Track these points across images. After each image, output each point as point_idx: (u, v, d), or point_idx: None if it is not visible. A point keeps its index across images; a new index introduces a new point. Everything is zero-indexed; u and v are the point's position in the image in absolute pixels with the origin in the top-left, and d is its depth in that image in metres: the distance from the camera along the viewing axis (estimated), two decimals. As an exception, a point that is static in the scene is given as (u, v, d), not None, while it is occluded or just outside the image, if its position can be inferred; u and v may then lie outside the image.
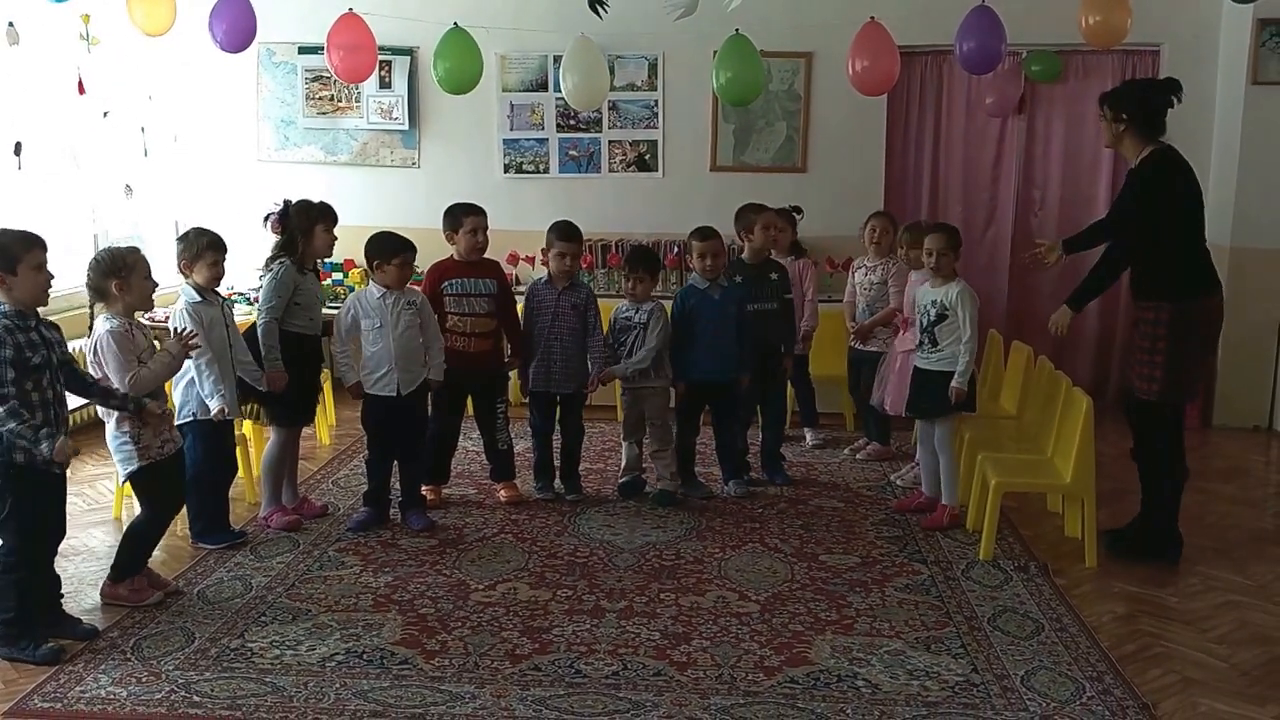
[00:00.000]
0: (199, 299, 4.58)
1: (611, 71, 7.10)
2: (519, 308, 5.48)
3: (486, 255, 5.37)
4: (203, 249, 4.58)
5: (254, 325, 4.94)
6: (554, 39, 7.09)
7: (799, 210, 6.63)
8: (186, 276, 4.63)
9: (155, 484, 4.16)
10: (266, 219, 5.30)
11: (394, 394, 4.92)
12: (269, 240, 5.28)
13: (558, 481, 5.52)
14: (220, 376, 4.54)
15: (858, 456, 6.27)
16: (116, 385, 3.95)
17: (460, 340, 5.22)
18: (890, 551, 4.82)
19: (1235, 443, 6.75)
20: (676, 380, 5.45)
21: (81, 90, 6.48)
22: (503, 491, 5.45)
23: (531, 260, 7.39)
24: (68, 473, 3.87)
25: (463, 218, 5.24)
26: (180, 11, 6.03)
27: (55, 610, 3.93)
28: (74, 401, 3.99)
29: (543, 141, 7.74)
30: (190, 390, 4.57)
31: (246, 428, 5.41)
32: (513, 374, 5.58)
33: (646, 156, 7.71)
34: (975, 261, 7.39)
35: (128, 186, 7.12)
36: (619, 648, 3.86)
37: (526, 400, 5.57)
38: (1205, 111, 7.02)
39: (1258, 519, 5.44)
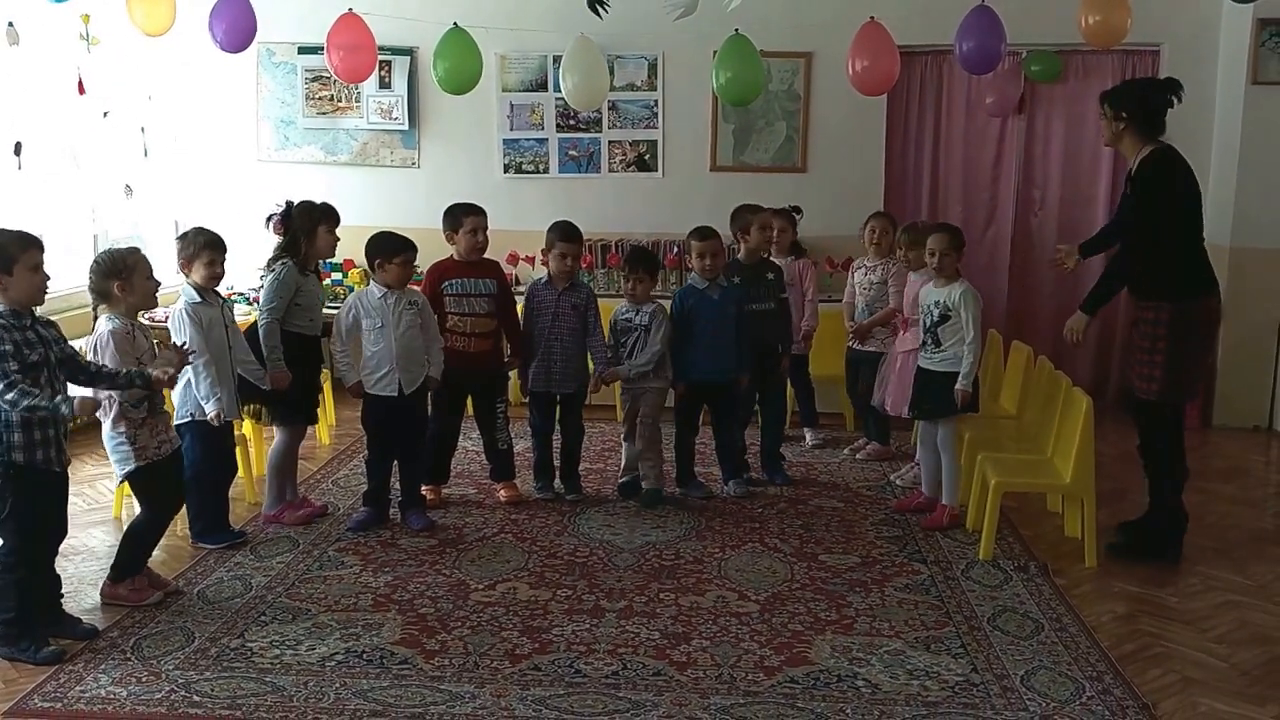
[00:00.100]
0: (198, 299, 4.58)
1: (611, 71, 7.11)
2: (519, 308, 5.48)
3: (486, 255, 5.37)
4: (200, 248, 4.58)
5: (254, 325, 4.95)
6: (554, 39, 7.10)
7: (798, 210, 6.63)
8: (186, 276, 4.64)
9: (153, 484, 4.16)
10: (269, 220, 5.29)
11: (395, 394, 4.92)
12: (269, 240, 5.28)
13: (557, 481, 5.52)
14: (218, 379, 4.54)
15: (857, 456, 6.27)
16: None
17: (460, 340, 5.22)
18: (890, 551, 4.82)
19: (1235, 443, 6.75)
20: (676, 381, 5.45)
21: (81, 90, 6.48)
22: (503, 491, 5.45)
23: (531, 260, 7.40)
24: (69, 472, 3.86)
25: (463, 218, 5.24)
26: (180, 11, 6.03)
27: (55, 610, 3.92)
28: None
29: (543, 141, 7.74)
30: (189, 391, 4.57)
31: (247, 428, 5.42)
32: (513, 374, 5.58)
33: (646, 156, 7.72)
34: (975, 261, 7.39)
35: (128, 186, 7.12)
36: (619, 647, 3.86)
37: (526, 400, 5.57)
38: (1205, 111, 7.02)
39: (1258, 519, 5.44)
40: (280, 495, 5.11)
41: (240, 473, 5.21)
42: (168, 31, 6.06)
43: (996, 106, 7.48)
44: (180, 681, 3.59)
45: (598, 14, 5.58)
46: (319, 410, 5.77)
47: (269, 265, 5.04)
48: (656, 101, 7.64)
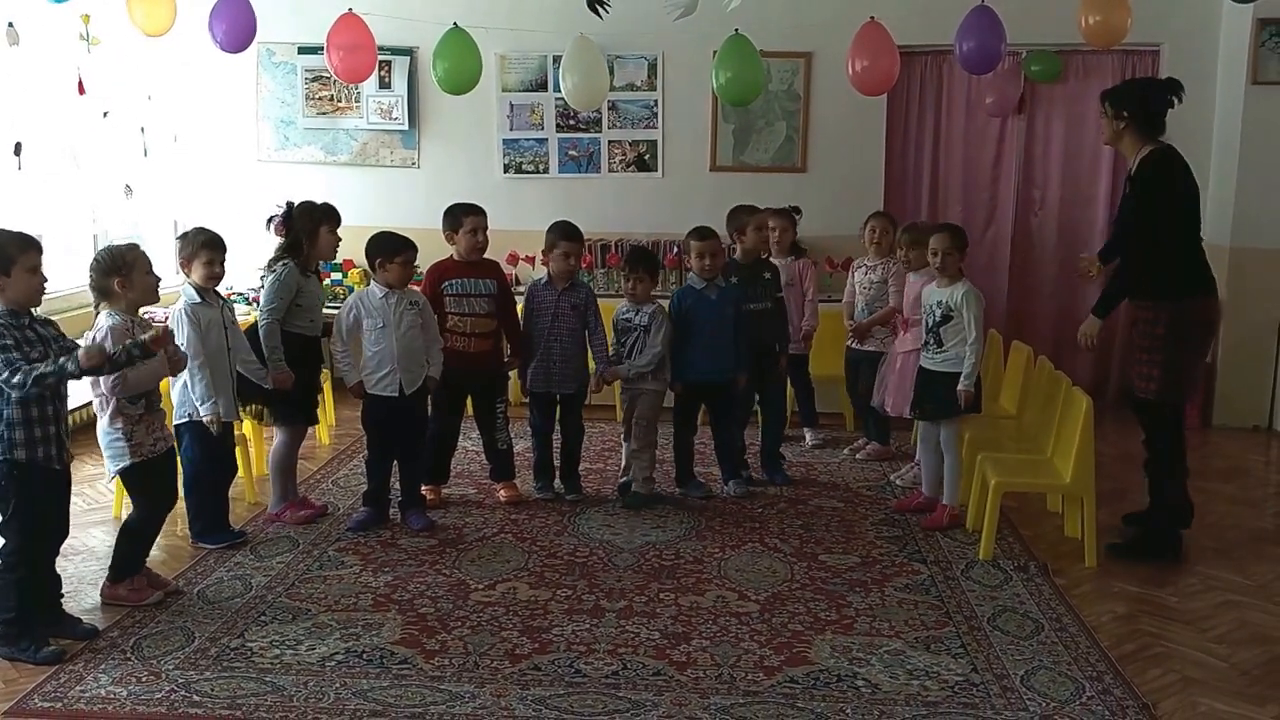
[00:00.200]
0: (198, 300, 4.58)
1: (611, 71, 7.11)
2: (519, 308, 5.48)
3: (486, 255, 5.37)
4: (199, 248, 4.59)
5: (254, 325, 4.95)
6: (553, 39, 7.10)
7: (798, 210, 6.64)
8: (186, 276, 4.64)
9: (147, 482, 4.16)
10: (270, 221, 5.29)
11: (396, 394, 4.92)
12: (270, 240, 5.28)
13: (557, 481, 5.52)
14: (215, 381, 4.54)
15: (857, 456, 6.27)
16: (103, 381, 3.95)
17: (460, 340, 5.22)
18: (890, 551, 4.82)
19: (1235, 443, 6.75)
20: (674, 381, 5.45)
21: (81, 90, 6.48)
22: (502, 491, 5.45)
23: (531, 260, 7.39)
24: (70, 470, 3.87)
25: (463, 218, 5.24)
26: (180, 11, 6.04)
27: (55, 610, 3.92)
28: (73, 401, 3.99)
29: (542, 141, 7.74)
30: (187, 392, 4.57)
31: (247, 428, 5.42)
32: (512, 374, 5.58)
33: (646, 156, 7.72)
34: (975, 261, 7.36)
35: (128, 186, 7.12)
36: (619, 647, 3.86)
37: (526, 400, 5.56)
38: (1205, 111, 7.02)
39: (1258, 519, 5.44)
40: (284, 494, 5.12)
41: (240, 473, 5.21)
42: (168, 31, 6.06)
43: (996, 106, 7.48)
44: (180, 681, 3.59)
45: (598, 14, 5.58)
46: (319, 410, 5.77)
47: (270, 266, 5.04)
48: (656, 101, 7.64)
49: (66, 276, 5.77)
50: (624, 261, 6.01)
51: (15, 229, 3.74)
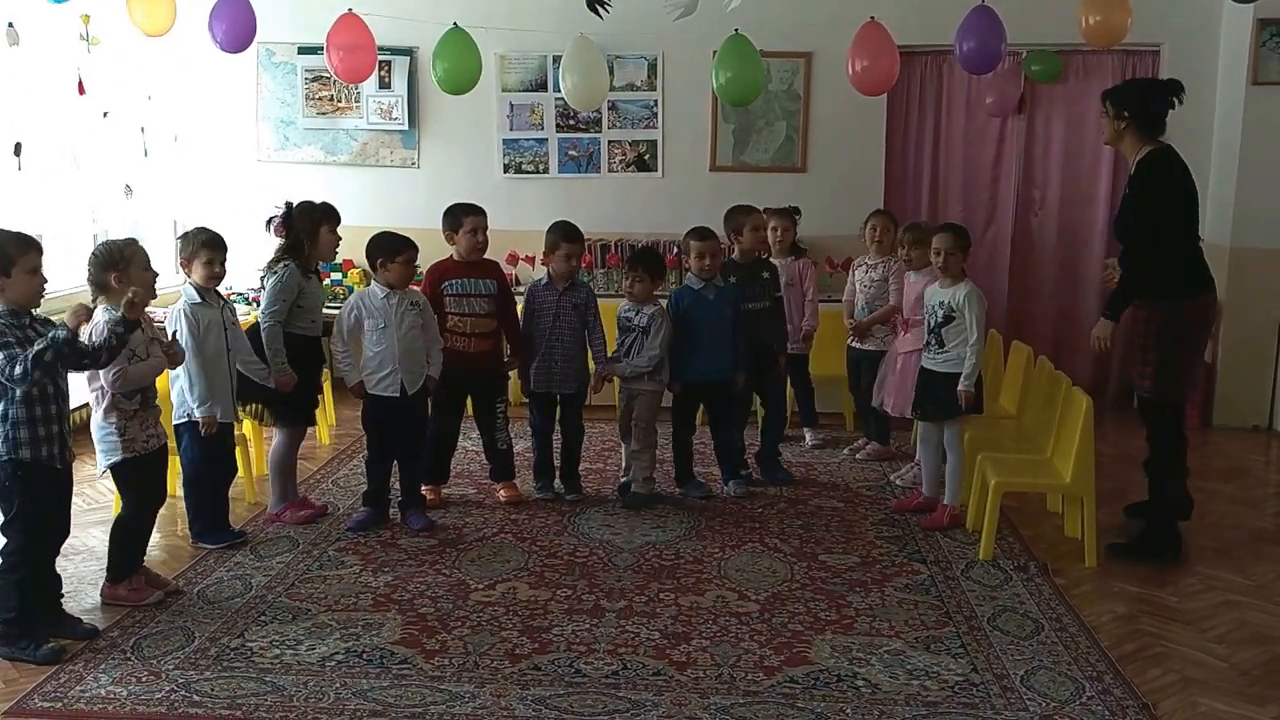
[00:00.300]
0: (198, 300, 4.58)
1: (611, 71, 7.11)
2: (519, 308, 5.48)
3: (486, 255, 5.37)
4: (199, 248, 4.59)
5: (255, 326, 4.95)
6: (553, 39, 7.10)
7: (797, 211, 6.63)
8: (186, 276, 4.64)
9: (137, 478, 4.16)
10: (269, 222, 5.28)
11: (397, 394, 4.92)
12: (269, 241, 5.27)
13: (557, 481, 5.52)
14: (213, 382, 4.55)
15: (857, 456, 6.27)
16: (103, 374, 3.95)
17: (460, 340, 5.22)
18: (890, 551, 4.82)
19: (1235, 443, 6.75)
20: (672, 383, 5.45)
21: (81, 90, 6.48)
22: (502, 491, 5.45)
23: (531, 260, 7.39)
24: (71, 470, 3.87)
25: (463, 218, 5.24)
26: (180, 11, 6.03)
27: (55, 610, 3.92)
28: (74, 401, 3.99)
29: (542, 141, 7.74)
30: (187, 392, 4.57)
31: (247, 428, 5.42)
32: (512, 374, 5.58)
33: (646, 156, 7.72)
34: (975, 261, 7.32)
35: (128, 187, 7.12)
36: (619, 647, 3.86)
37: (526, 400, 5.57)
38: (1205, 111, 7.02)
39: (1258, 519, 5.44)
40: (284, 494, 5.12)
41: (240, 473, 5.21)
42: (168, 32, 6.06)
43: (996, 106, 7.48)
44: (180, 681, 3.59)
45: (598, 14, 5.58)
46: (318, 411, 5.77)
47: (270, 267, 5.03)
48: (656, 101, 7.64)
49: (66, 276, 5.77)
50: (626, 261, 6.00)
51: (15, 229, 3.75)
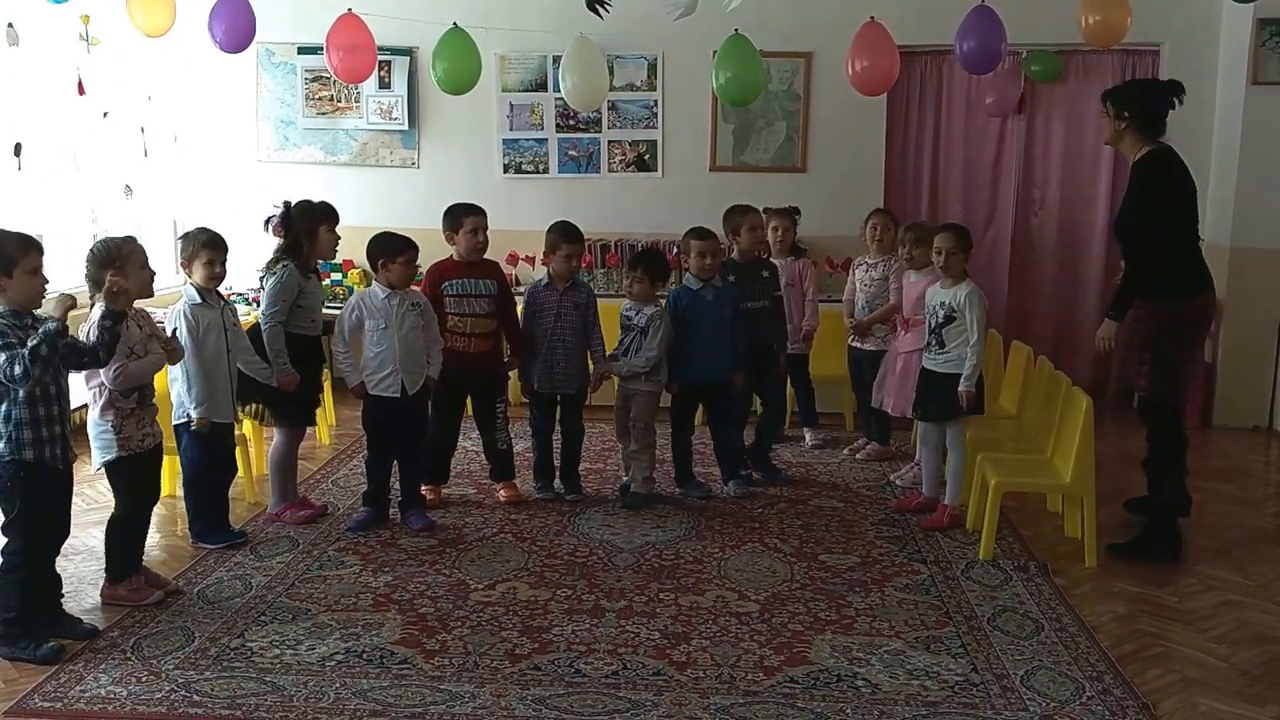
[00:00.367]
0: (198, 301, 4.58)
1: (611, 71, 7.10)
2: (519, 308, 5.48)
3: (486, 256, 5.37)
4: (199, 248, 4.58)
5: (255, 326, 4.95)
6: (553, 39, 7.10)
7: (797, 211, 6.63)
8: (187, 276, 4.64)
9: (132, 477, 4.16)
10: (268, 222, 5.28)
11: (398, 394, 4.92)
12: (269, 241, 5.27)
13: (557, 481, 5.52)
14: (212, 383, 4.55)
15: (857, 456, 6.27)
16: (103, 371, 3.95)
17: (460, 340, 5.22)
18: (890, 551, 4.82)
19: (1235, 443, 6.75)
20: (671, 383, 5.44)
21: (81, 90, 6.48)
22: (502, 491, 5.45)
23: (531, 260, 7.39)
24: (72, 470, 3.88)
25: (463, 218, 5.24)
26: (180, 12, 6.03)
27: (55, 610, 3.93)
28: (74, 401, 3.99)
29: (542, 141, 7.74)
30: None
31: (246, 428, 5.42)
32: (512, 374, 5.57)
33: (646, 156, 7.71)
34: (975, 261, 7.28)
35: (128, 187, 7.12)
36: (619, 647, 3.86)
37: (526, 400, 5.57)
38: (1205, 111, 7.01)
39: (1258, 519, 5.44)
40: (284, 494, 5.12)
41: (240, 473, 5.21)
42: (167, 32, 6.06)
43: (996, 106, 7.48)
44: (180, 681, 3.59)
45: (598, 14, 5.58)
46: (318, 411, 5.77)
47: (269, 268, 5.03)
48: (656, 101, 7.64)
49: (66, 277, 5.76)
50: (626, 261, 6.00)
51: (16, 229, 3.75)
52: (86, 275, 4.03)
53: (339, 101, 7.79)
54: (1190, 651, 3.91)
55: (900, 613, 4.18)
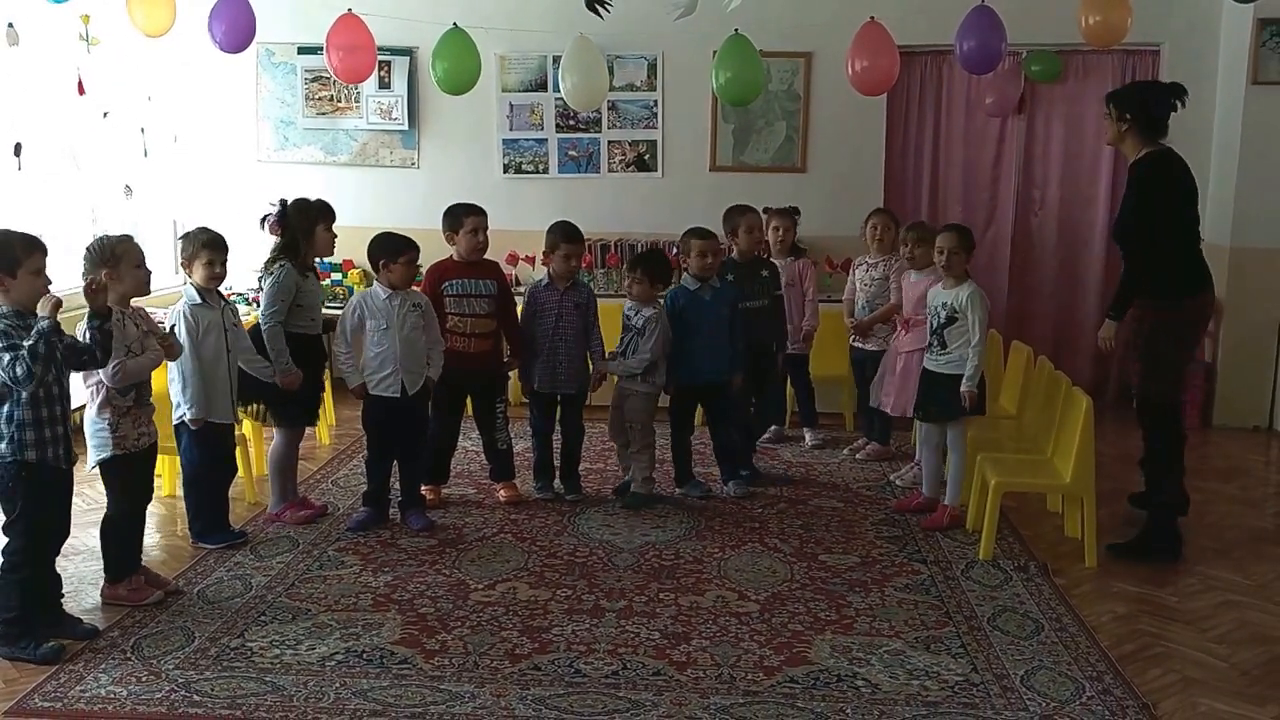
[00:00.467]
0: (198, 301, 4.58)
1: (611, 71, 7.10)
2: (519, 308, 5.48)
3: (485, 256, 5.37)
4: (199, 248, 4.59)
5: (257, 326, 4.95)
6: (553, 39, 7.10)
7: (797, 211, 6.63)
8: (188, 276, 4.64)
9: (125, 475, 4.16)
10: (264, 221, 5.27)
11: (398, 395, 4.92)
12: (269, 241, 5.27)
13: (557, 481, 5.52)
14: (211, 384, 4.55)
15: (857, 457, 6.27)
16: (102, 370, 3.95)
17: (460, 341, 5.22)
18: (890, 551, 4.82)
19: (1235, 443, 6.75)
20: (667, 386, 5.44)
21: (81, 90, 6.48)
22: (502, 491, 5.45)
23: (531, 260, 7.39)
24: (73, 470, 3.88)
25: (463, 218, 5.24)
26: (180, 12, 6.03)
27: (56, 610, 3.93)
28: (75, 401, 3.99)
29: (542, 142, 7.74)
30: (185, 392, 4.58)
31: (246, 428, 5.41)
32: (512, 374, 5.57)
33: (646, 157, 7.71)
34: (975, 261, 7.27)
35: (127, 187, 7.12)
36: (619, 647, 3.86)
37: (526, 400, 5.57)
38: (1205, 111, 7.01)
39: (1258, 519, 5.44)
40: (284, 494, 5.12)
41: (240, 473, 5.21)
42: (167, 32, 6.06)
43: (996, 106, 7.48)
44: (180, 681, 3.59)
45: (598, 14, 5.58)
46: (320, 410, 5.76)
47: (267, 268, 5.03)
48: (656, 101, 7.64)
49: (66, 277, 5.76)
50: (627, 262, 6.00)
51: (21, 230, 3.75)
52: (83, 274, 4.04)
53: (339, 101, 7.79)
54: (1190, 651, 3.91)
55: (900, 613, 4.18)
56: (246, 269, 6.83)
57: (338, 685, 3.57)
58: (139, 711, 3.42)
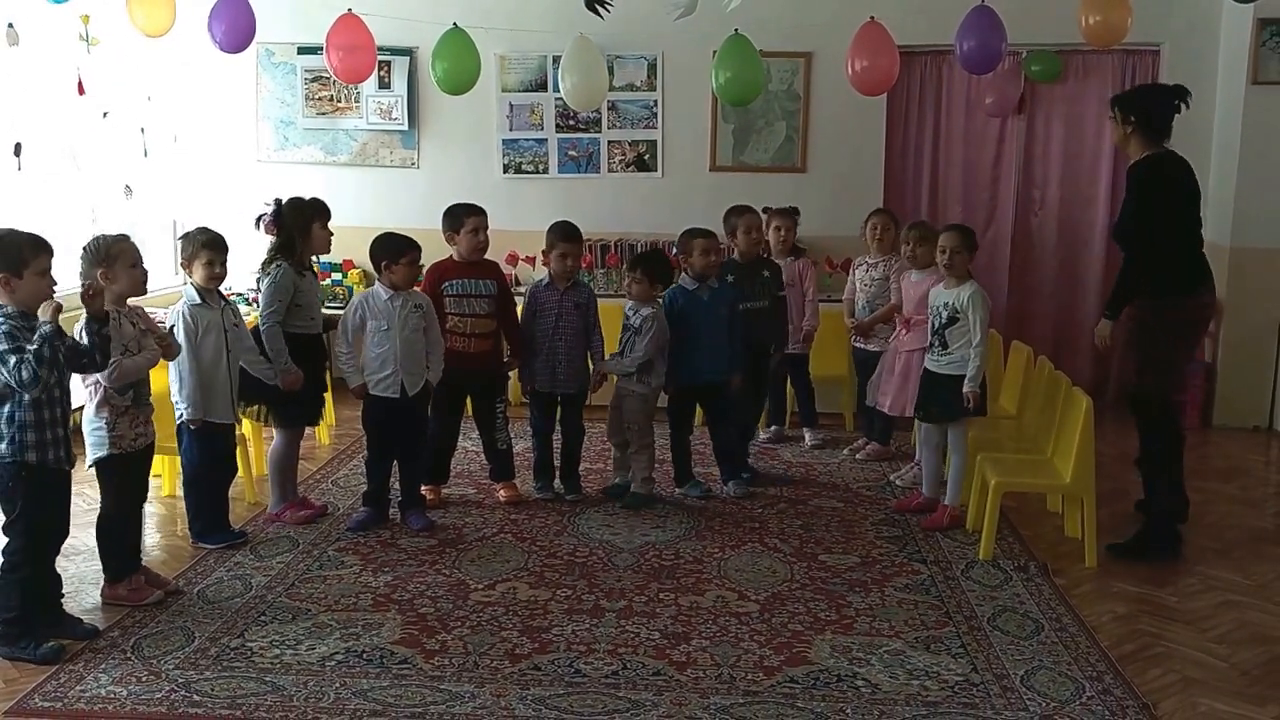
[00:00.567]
0: (198, 301, 4.59)
1: (611, 71, 7.10)
2: (519, 308, 5.48)
3: (485, 256, 5.37)
4: (199, 248, 4.59)
5: (257, 327, 4.95)
6: (553, 39, 7.10)
7: (797, 211, 6.63)
8: (188, 277, 4.64)
9: (121, 475, 4.16)
10: (259, 221, 5.26)
11: (398, 395, 4.92)
12: (263, 240, 5.26)
13: (557, 481, 5.52)
14: (211, 385, 4.55)
15: (857, 457, 6.27)
16: (100, 370, 3.95)
17: (460, 341, 5.22)
18: (890, 551, 4.82)
19: (1235, 443, 6.75)
20: (667, 386, 5.44)
21: (81, 90, 6.48)
22: (502, 491, 5.45)
23: (531, 260, 7.39)
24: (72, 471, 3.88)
25: (464, 218, 5.24)
26: (180, 12, 6.03)
27: (56, 610, 3.93)
28: (75, 402, 4.00)
29: (542, 142, 7.74)
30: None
31: (246, 428, 5.41)
32: (512, 374, 5.57)
33: (646, 157, 7.71)
34: (976, 261, 7.32)
35: (127, 187, 7.11)
36: (619, 647, 3.86)
37: (526, 400, 5.56)
38: (1205, 111, 7.00)
39: (1258, 519, 5.44)
40: (284, 494, 5.12)
41: (240, 473, 5.21)
42: (167, 32, 6.06)
43: (996, 106, 7.48)
44: (180, 681, 3.59)
45: (598, 14, 5.58)
46: (323, 408, 5.76)
47: (264, 268, 5.03)
48: (656, 101, 7.64)
49: (66, 277, 5.75)
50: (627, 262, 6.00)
51: (27, 231, 3.75)
52: (80, 274, 4.04)
53: (339, 102, 7.79)
54: (1190, 651, 3.91)
55: (900, 613, 4.18)
56: (246, 269, 6.83)
57: (338, 685, 3.57)
58: (139, 711, 3.42)
